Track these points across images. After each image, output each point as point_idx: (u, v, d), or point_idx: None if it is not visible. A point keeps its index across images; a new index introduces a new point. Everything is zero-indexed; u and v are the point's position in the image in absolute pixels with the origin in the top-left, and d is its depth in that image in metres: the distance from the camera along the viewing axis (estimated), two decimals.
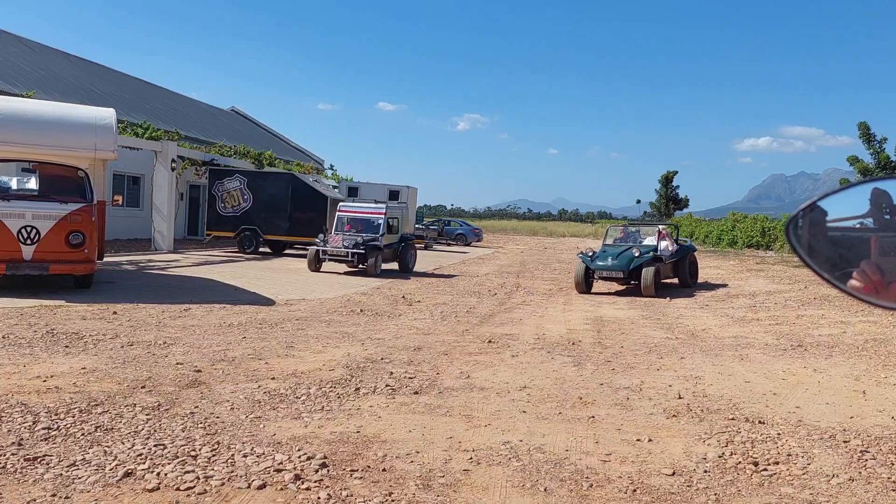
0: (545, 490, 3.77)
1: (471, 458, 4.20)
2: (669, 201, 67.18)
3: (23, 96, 16.87)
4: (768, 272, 20.24)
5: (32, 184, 11.27)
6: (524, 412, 5.28)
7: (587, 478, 3.97)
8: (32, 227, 10.11)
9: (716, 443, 4.69)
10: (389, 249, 17.13)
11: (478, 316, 10.47)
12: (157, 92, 36.09)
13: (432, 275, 17.74)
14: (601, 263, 14.18)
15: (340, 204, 18.06)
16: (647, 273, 13.74)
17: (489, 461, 4.18)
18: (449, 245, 35.39)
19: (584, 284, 14.35)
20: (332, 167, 40.86)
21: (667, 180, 67.10)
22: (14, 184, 11.39)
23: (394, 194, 29.14)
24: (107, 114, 12.07)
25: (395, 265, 17.91)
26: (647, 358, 7.64)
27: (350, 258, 15.92)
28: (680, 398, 5.86)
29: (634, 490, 3.83)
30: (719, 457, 4.41)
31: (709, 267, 22.63)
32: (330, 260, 16.10)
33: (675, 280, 15.70)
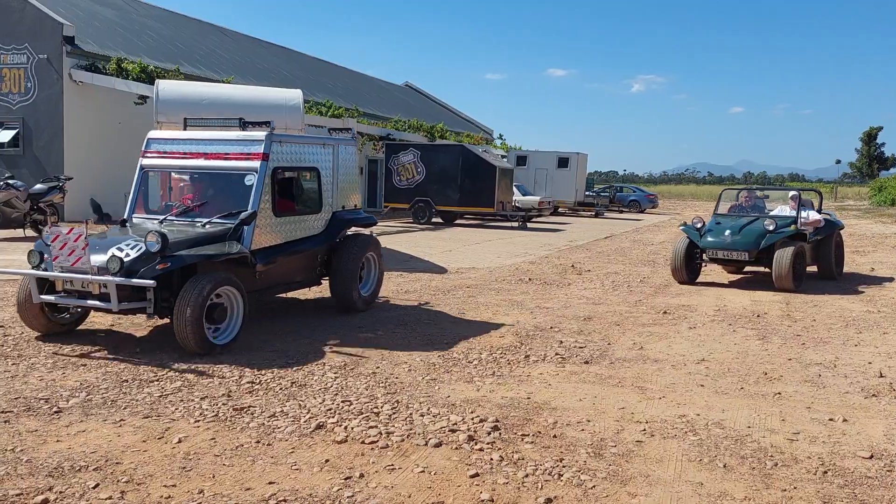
0: (724, 466, 3.63)
1: (644, 430, 4.13)
2: (873, 161, 60.46)
3: (223, 82, 18.54)
4: None
5: None
6: (702, 386, 5.08)
7: (771, 456, 3.76)
8: None
9: None
10: (300, 254, 6.90)
11: (652, 286, 10.13)
12: (337, 71, 38.12)
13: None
14: (713, 240, 10.00)
15: (149, 135, 7.08)
16: (784, 255, 9.41)
17: (663, 434, 4.09)
18: (621, 212, 34.37)
19: (685, 270, 10.08)
20: (500, 137, 41.01)
21: (870, 137, 60.39)
22: None
23: (563, 161, 28.72)
24: (295, 94, 12.94)
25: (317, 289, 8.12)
26: (843, 332, 7.02)
27: (124, 302, 5.35)
28: (881, 377, 5.35)
29: (825, 472, 3.57)
30: None
31: None
32: (75, 304, 5.63)
33: (814, 268, 10.83)
